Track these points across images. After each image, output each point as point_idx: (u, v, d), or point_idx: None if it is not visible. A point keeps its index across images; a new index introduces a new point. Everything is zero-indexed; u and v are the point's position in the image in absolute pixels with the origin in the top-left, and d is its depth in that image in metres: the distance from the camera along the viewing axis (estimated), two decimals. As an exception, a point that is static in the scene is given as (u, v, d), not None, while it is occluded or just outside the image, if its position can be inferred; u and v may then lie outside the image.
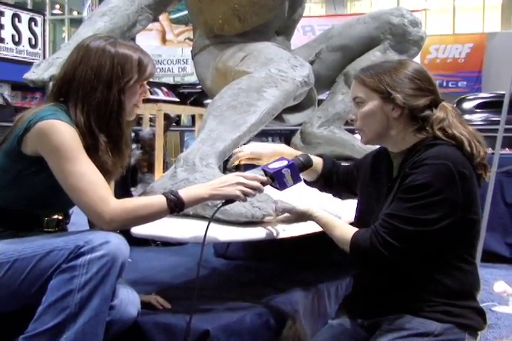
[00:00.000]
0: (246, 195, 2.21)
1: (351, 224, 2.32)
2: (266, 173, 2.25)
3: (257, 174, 2.29)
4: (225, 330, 2.29)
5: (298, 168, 2.26)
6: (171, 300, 2.49)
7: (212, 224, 2.54)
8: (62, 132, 2.11)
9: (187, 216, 2.56)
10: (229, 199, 2.24)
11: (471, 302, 2.08)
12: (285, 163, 2.24)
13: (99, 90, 2.22)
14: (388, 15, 3.75)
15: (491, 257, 5.01)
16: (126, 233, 2.24)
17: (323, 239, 2.37)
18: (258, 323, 2.41)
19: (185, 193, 2.18)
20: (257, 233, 2.52)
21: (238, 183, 2.20)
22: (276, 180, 2.24)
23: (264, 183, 2.25)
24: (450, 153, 2.02)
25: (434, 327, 1.99)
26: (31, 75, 2.83)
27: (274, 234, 2.53)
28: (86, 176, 2.11)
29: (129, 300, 2.27)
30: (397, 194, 2.03)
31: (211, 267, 3.26)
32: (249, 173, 2.32)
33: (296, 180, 2.25)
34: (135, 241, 3.74)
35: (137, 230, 2.53)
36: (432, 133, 2.09)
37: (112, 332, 2.21)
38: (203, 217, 2.59)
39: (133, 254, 2.69)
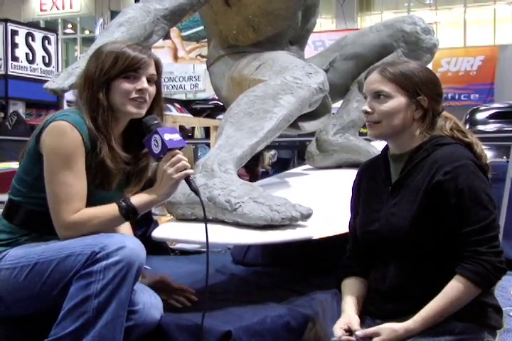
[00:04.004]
0: (182, 171, 2.22)
1: (349, 233, 2.36)
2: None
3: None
4: (247, 331, 2.32)
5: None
6: (193, 304, 2.51)
7: (232, 228, 2.59)
8: (66, 136, 2.19)
9: (207, 220, 2.60)
10: (189, 184, 2.25)
11: (489, 299, 2.09)
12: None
13: (85, 92, 2.29)
14: (401, 23, 3.77)
15: (508, 264, 4.96)
16: (146, 242, 2.28)
17: (340, 245, 2.40)
18: (279, 324, 2.44)
19: (136, 199, 2.24)
20: (276, 236, 2.56)
21: (166, 170, 2.21)
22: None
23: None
24: (465, 152, 2.10)
25: (454, 326, 2.00)
26: (51, 85, 2.87)
27: (293, 237, 2.56)
28: (68, 187, 2.18)
29: (151, 304, 2.31)
30: (447, 208, 2.02)
31: (230, 273, 3.27)
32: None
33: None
34: (154, 251, 3.80)
35: (158, 234, 2.58)
36: (451, 134, 2.15)
37: (135, 336, 2.26)
38: (222, 221, 2.63)
39: (153, 263, 2.73)
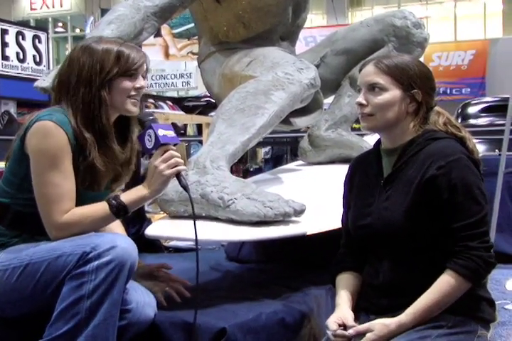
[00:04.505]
0: (174, 167, 2.20)
1: (342, 228, 2.34)
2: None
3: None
4: (242, 328, 2.31)
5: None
6: (187, 301, 2.50)
7: (225, 225, 2.58)
8: (51, 136, 2.17)
9: (200, 217, 2.60)
10: (179, 180, 2.23)
11: (482, 293, 2.09)
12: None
13: (80, 91, 2.25)
14: (391, 17, 3.77)
15: (501, 258, 4.94)
16: (139, 240, 2.27)
17: (333, 240, 2.39)
18: (274, 321, 2.43)
19: (126, 196, 2.22)
20: (269, 232, 2.56)
21: (158, 166, 2.18)
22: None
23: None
24: (457, 146, 2.10)
25: (448, 320, 2.00)
26: (42, 83, 2.86)
27: (287, 232, 2.55)
28: (57, 188, 2.17)
29: (145, 303, 2.31)
30: (440, 203, 2.02)
31: (224, 270, 3.27)
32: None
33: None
34: (148, 249, 3.79)
35: (152, 232, 2.57)
36: (444, 129, 2.15)
37: (130, 334, 2.26)
38: (215, 218, 2.63)
39: (146, 261, 2.72)
